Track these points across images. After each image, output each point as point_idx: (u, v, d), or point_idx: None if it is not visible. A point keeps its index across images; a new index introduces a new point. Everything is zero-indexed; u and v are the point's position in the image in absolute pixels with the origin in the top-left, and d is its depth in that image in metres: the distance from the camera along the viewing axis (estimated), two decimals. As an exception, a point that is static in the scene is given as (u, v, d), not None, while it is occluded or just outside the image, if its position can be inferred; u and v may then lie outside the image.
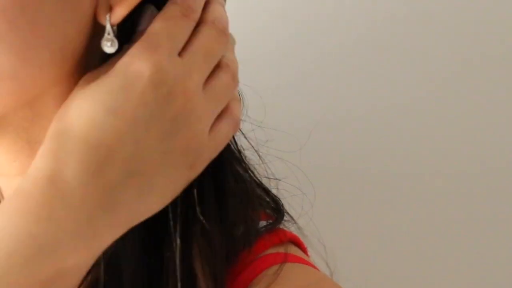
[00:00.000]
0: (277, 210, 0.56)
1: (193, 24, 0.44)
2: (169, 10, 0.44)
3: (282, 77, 0.84)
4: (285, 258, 0.51)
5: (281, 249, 0.52)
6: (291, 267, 0.51)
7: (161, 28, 0.43)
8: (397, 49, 0.85)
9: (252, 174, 0.56)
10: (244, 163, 0.56)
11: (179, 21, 0.44)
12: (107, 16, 0.43)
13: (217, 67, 0.46)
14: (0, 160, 0.47)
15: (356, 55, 0.85)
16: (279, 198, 0.57)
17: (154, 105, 0.41)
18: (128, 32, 0.44)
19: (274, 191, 0.58)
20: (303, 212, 0.61)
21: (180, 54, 0.43)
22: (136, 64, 0.42)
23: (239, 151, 0.55)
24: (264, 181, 0.57)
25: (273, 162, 0.59)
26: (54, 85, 0.44)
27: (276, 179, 0.59)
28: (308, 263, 0.53)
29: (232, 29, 0.47)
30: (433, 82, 0.85)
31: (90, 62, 0.45)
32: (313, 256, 0.57)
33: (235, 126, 0.47)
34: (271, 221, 0.55)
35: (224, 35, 0.46)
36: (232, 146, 0.54)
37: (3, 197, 0.50)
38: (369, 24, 0.85)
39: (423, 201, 0.86)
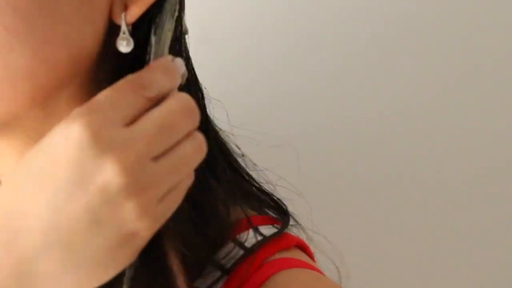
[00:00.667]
0: (283, 214, 0.56)
1: (144, 101, 0.40)
2: (119, 83, 0.41)
3: (283, 79, 0.84)
4: (292, 264, 0.51)
5: (288, 255, 0.52)
6: (298, 273, 0.51)
7: (106, 96, 0.40)
8: (396, 53, 0.85)
9: (251, 179, 0.56)
10: (241, 167, 0.55)
11: (127, 94, 0.40)
12: (123, 15, 0.43)
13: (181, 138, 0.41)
14: (8, 161, 0.46)
15: (355, 60, 0.85)
16: (283, 202, 0.57)
17: (79, 171, 0.37)
18: (143, 32, 0.44)
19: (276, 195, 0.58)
20: (305, 215, 0.60)
21: (128, 125, 0.40)
22: (65, 125, 0.38)
23: (231, 155, 0.55)
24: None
25: (275, 166, 0.59)
26: (68, 85, 0.44)
27: (276, 184, 0.59)
28: (314, 268, 0.53)
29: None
30: (432, 87, 0.85)
31: (105, 62, 0.45)
32: (319, 259, 0.57)
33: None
34: (277, 226, 0.54)
35: (191, 112, 0.41)
36: (230, 152, 0.54)
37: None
38: (365, 31, 0.85)
39: (426, 203, 0.87)
